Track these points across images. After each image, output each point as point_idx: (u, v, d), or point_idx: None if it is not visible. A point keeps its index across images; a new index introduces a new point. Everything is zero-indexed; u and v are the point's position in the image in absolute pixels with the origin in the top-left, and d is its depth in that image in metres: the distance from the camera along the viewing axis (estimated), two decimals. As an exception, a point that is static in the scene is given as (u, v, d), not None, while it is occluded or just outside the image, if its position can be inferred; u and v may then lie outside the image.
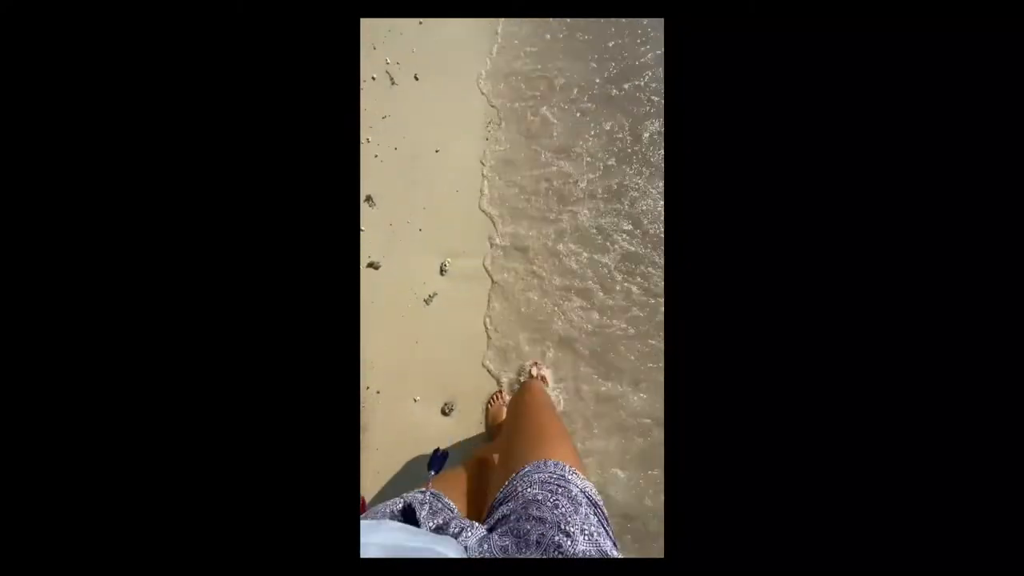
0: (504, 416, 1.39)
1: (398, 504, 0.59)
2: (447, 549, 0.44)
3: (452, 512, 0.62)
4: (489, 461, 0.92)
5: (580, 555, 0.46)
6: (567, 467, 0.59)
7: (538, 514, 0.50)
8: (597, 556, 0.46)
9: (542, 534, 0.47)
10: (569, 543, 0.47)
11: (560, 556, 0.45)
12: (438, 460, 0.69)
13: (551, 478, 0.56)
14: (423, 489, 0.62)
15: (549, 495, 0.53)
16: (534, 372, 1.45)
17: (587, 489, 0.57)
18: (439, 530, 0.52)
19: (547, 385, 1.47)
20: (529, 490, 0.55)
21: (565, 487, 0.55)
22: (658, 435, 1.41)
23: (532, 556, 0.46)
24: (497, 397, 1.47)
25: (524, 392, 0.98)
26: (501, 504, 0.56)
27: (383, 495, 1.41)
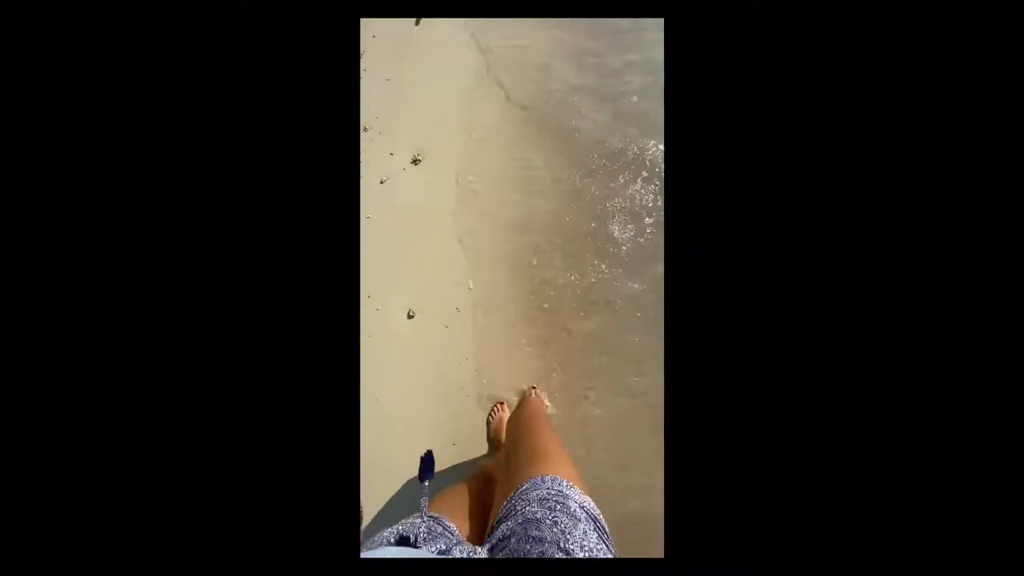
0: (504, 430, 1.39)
1: (394, 534, 0.58)
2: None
3: (453, 536, 0.61)
4: (491, 477, 0.91)
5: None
6: (565, 482, 0.59)
7: (537, 534, 0.50)
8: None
9: (542, 552, 0.48)
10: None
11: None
12: (428, 465, 0.67)
13: (549, 495, 0.56)
14: (420, 514, 0.62)
15: (548, 512, 0.53)
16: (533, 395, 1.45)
17: (585, 504, 0.57)
18: (441, 555, 0.52)
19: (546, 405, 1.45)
20: (528, 508, 0.55)
21: (563, 503, 0.55)
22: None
23: None
24: (499, 409, 1.46)
25: (521, 409, 0.97)
26: (501, 523, 0.56)
27: (382, 516, 1.39)
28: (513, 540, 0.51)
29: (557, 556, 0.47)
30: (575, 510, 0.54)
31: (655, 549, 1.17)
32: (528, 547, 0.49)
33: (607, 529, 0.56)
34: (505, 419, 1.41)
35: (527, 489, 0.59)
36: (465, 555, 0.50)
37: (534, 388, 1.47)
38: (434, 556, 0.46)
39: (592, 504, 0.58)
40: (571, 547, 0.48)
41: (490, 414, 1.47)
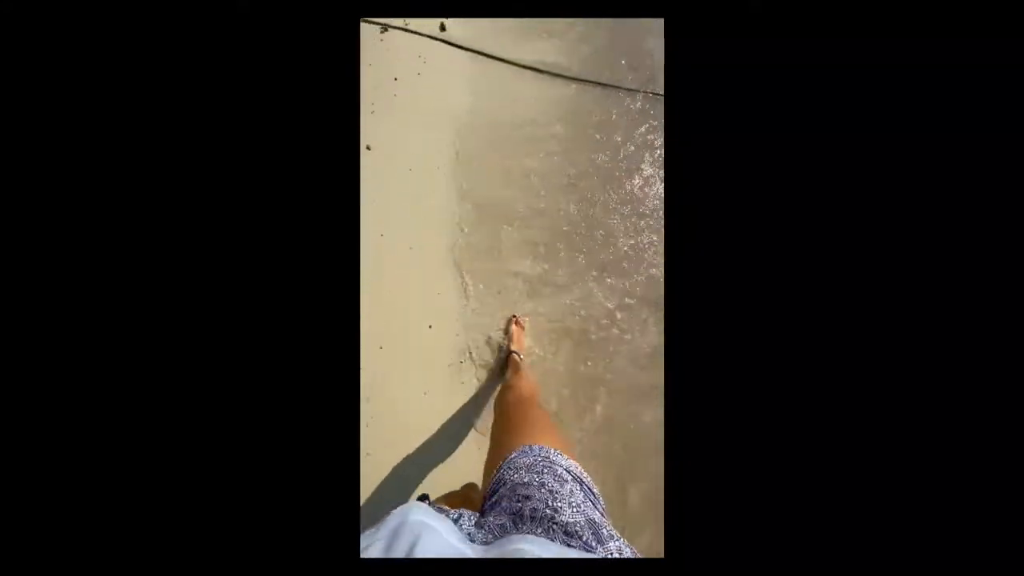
0: (519, 339, 1.49)
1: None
2: (451, 536, 0.44)
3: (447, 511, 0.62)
4: (475, 495, 0.93)
5: (568, 523, 0.47)
6: (551, 449, 0.61)
7: (525, 493, 0.52)
8: (585, 523, 0.47)
9: (534, 508, 0.49)
10: (557, 516, 0.48)
11: (555, 524, 0.47)
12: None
13: (536, 461, 0.58)
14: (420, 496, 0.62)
15: (536, 476, 0.55)
16: (513, 328, 1.54)
17: (571, 467, 0.59)
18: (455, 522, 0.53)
19: (523, 331, 1.54)
20: (515, 475, 0.57)
21: (550, 467, 0.57)
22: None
23: (529, 530, 0.47)
24: (515, 321, 1.54)
25: (507, 391, 1.03)
26: (492, 495, 0.58)
27: (376, 499, 1.41)
28: (504, 502, 0.53)
29: (548, 511, 0.49)
30: (561, 473, 0.56)
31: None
32: (520, 505, 0.50)
33: (595, 491, 0.58)
34: (515, 331, 1.51)
35: (514, 458, 0.61)
36: (460, 515, 0.51)
37: (515, 317, 1.56)
38: (447, 537, 0.46)
39: (578, 468, 0.60)
40: (559, 504, 0.50)
41: (506, 329, 1.56)
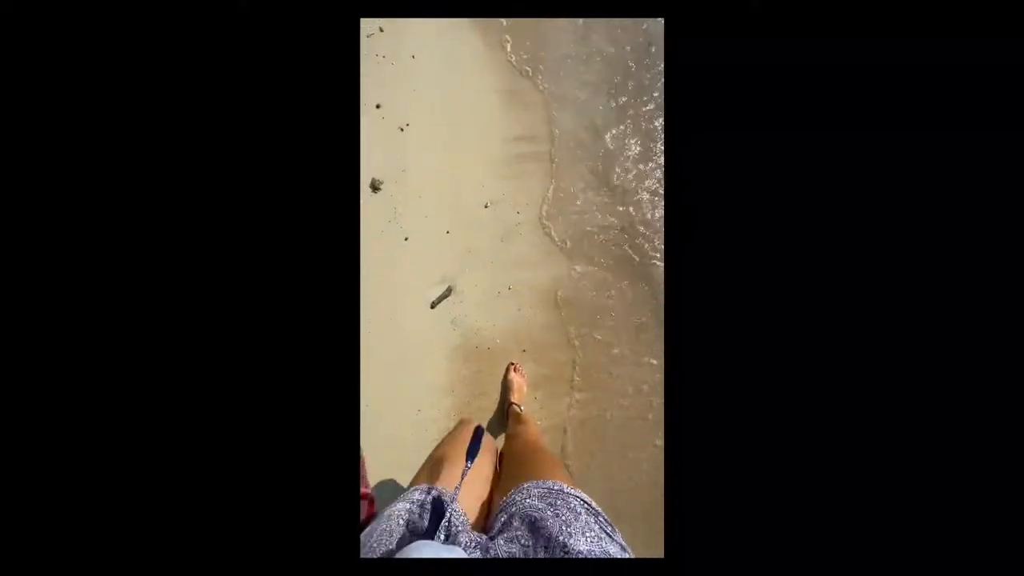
0: (520, 388, 1.50)
1: (412, 506, 0.58)
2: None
3: (458, 517, 0.61)
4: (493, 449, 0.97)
5: (584, 554, 0.47)
6: (563, 484, 0.60)
7: (541, 525, 0.51)
8: (600, 555, 0.47)
9: (548, 537, 0.49)
10: (572, 542, 0.48)
11: (565, 555, 0.46)
12: (476, 443, 0.66)
13: (548, 492, 0.57)
14: (429, 487, 0.62)
15: (549, 506, 0.54)
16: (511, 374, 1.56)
17: (585, 499, 0.58)
18: (449, 539, 0.53)
19: (523, 379, 1.56)
20: (528, 501, 0.56)
21: (564, 500, 0.56)
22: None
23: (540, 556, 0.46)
24: (512, 369, 1.56)
25: (512, 441, 1.04)
26: (501, 513, 0.57)
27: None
28: (516, 525, 0.52)
29: (562, 538, 0.48)
30: (575, 505, 0.55)
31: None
32: (532, 537, 0.50)
33: (611, 522, 0.56)
34: (515, 380, 1.53)
35: (527, 487, 0.60)
36: (468, 543, 0.50)
37: (513, 365, 1.60)
38: (443, 556, 0.46)
39: (592, 501, 0.59)
40: (574, 533, 0.49)
41: (507, 372, 1.58)
